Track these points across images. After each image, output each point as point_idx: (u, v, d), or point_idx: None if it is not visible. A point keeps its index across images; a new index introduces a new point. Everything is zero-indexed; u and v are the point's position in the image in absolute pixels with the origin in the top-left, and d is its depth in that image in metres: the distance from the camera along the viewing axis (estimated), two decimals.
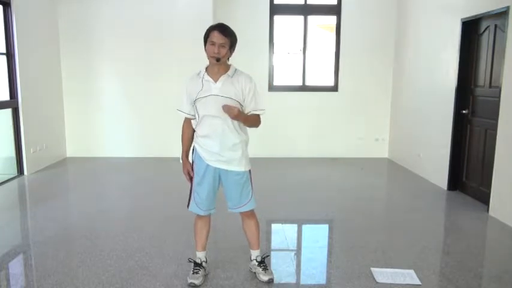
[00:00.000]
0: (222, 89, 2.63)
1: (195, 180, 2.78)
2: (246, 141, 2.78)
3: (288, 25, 7.07)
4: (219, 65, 2.63)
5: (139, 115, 6.89)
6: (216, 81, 2.64)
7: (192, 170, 2.78)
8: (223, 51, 2.57)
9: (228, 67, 2.69)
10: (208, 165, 2.71)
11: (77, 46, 6.72)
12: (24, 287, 2.84)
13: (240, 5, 6.68)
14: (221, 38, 2.56)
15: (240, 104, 2.67)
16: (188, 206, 2.83)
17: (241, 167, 2.73)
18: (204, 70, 2.70)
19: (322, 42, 7.25)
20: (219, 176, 2.75)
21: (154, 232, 3.73)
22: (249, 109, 2.70)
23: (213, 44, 2.56)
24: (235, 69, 2.72)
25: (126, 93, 6.84)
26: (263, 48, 6.81)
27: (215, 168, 2.72)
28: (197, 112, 2.70)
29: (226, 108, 2.54)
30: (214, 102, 2.62)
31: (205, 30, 2.64)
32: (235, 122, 2.67)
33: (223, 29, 2.59)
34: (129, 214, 4.28)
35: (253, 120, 2.73)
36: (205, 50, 2.63)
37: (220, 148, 2.66)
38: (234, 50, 2.67)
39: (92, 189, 5.23)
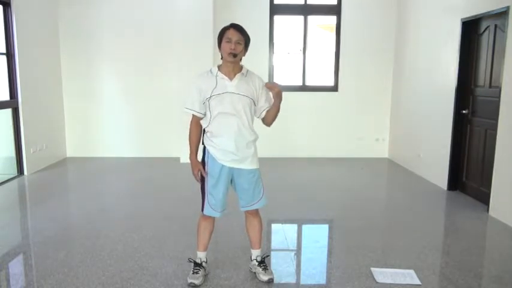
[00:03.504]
0: (238, 87, 2.65)
1: (209, 182, 2.73)
2: (256, 139, 2.79)
3: (288, 25, 7.07)
4: (233, 64, 2.65)
5: (139, 115, 6.90)
6: (231, 79, 2.66)
7: (204, 171, 2.75)
8: (239, 47, 2.61)
9: (241, 67, 2.73)
10: (223, 166, 2.69)
11: (77, 46, 6.73)
12: (24, 287, 2.84)
13: (240, 5, 6.67)
14: (237, 35, 2.60)
15: (254, 103, 2.71)
16: (203, 210, 2.79)
17: (254, 165, 2.75)
18: (217, 68, 2.71)
19: (322, 42, 7.25)
20: (232, 176, 2.75)
21: (154, 232, 3.73)
22: (264, 107, 2.75)
23: (229, 41, 2.60)
24: (247, 70, 2.76)
25: (126, 93, 6.85)
26: (263, 48, 6.80)
27: (230, 168, 2.71)
28: (209, 110, 2.68)
29: (270, 85, 2.66)
30: (230, 100, 2.64)
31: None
32: (250, 120, 2.70)
33: (238, 27, 2.65)
34: (129, 214, 4.27)
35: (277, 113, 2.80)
36: (220, 49, 2.66)
37: (235, 147, 2.66)
38: (247, 50, 2.71)
39: (92, 189, 5.23)
